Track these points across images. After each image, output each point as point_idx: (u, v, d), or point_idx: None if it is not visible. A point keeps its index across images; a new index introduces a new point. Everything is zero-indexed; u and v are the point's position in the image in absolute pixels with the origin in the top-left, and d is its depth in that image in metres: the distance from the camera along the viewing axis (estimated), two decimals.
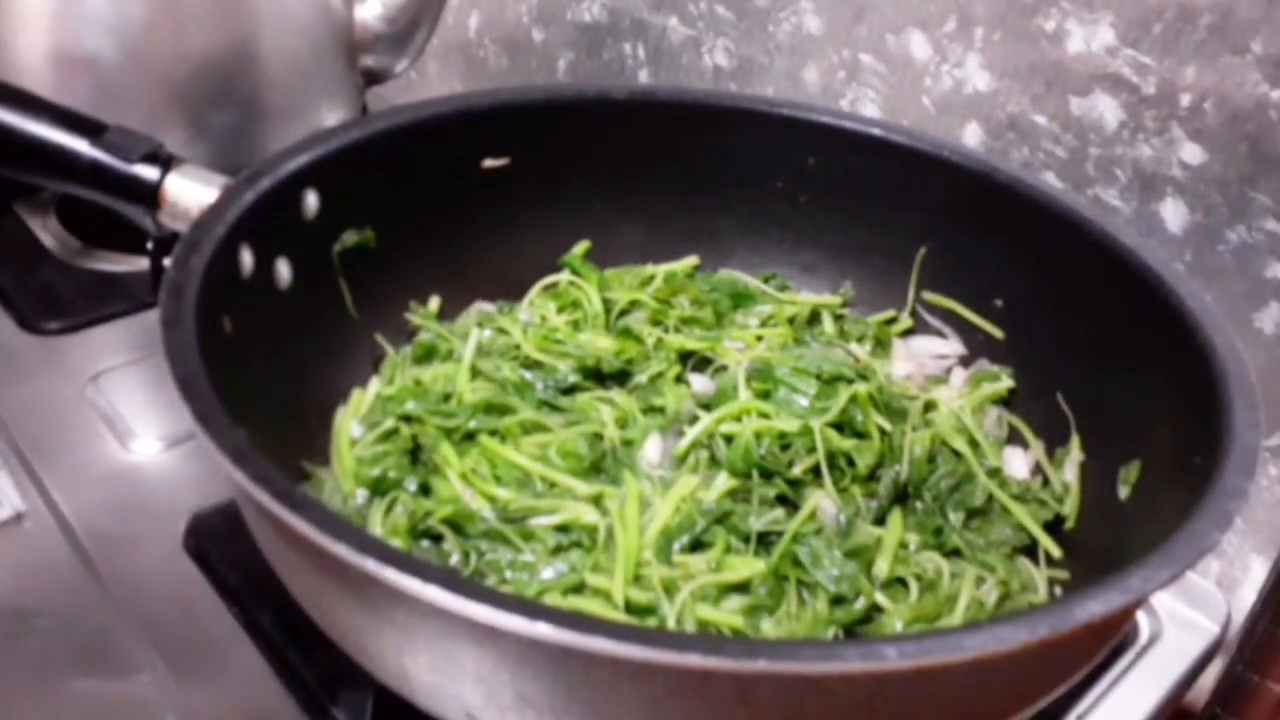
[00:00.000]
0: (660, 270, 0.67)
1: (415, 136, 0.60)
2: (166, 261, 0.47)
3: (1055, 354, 0.59)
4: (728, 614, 0.46)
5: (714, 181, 0.68)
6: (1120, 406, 0.54)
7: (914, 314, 0.66)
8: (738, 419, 0.55)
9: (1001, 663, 0.35)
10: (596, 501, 0.51)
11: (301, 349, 0.56)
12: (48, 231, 0.80)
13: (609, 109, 0.66)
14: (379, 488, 0.51)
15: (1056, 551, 0.53)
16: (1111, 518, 0.52)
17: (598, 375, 0.59)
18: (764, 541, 0.50)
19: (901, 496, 0.54)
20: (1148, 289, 0.52)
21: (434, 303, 0.64)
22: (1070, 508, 0.55)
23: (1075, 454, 0.56)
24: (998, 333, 0.63)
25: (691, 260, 0.69)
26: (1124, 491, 0.51)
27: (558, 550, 0.48)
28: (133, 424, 0.63)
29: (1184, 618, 0.58)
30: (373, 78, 0.84)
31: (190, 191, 0.55)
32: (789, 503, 0.52)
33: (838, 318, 0.66)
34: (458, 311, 0.65)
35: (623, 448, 0.54)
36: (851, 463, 0.54)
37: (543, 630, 0.33)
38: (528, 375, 0.58)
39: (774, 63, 0.82)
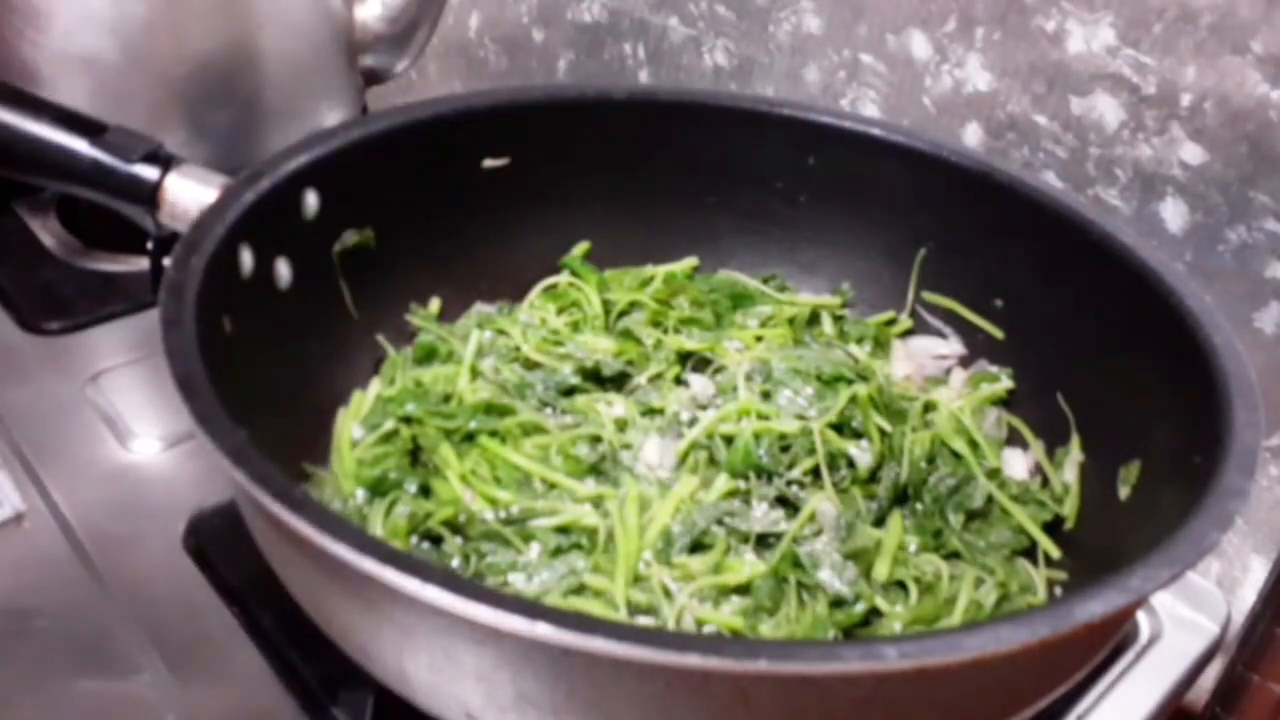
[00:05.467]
0: (660, 271, 0.67)
1: (415, 136, 0.60)
2: (166, 261, 0.47)
3: (1055, 354, 0.59)
4: (728, 615, 0.46)
5: (714, 181, 0.67)
6: (1120, 406, 0.54)
7: (914, 314, 0.66)
8: (737, 420, 0.55)
9: (1001, 663, 0.35)
10: (597, 503, 0.51)
11: (302, 349, 0.56)
12: (48, 231, 0.80)
13: (609, 109, 0.66)
14: (379, 489, 0.51)
15: (1056, 552, 0.53)
16: (1111, 518, 0.52)
17: (597, 377, 0.59)
18: (764, 543, 0.50)
19: (901, 498, 0.54)
20: (1148, 289, 0.52)
21: (434, 304, 0.64)
22: (1070, 508, 0.55)
23: (1075, 454, 0.56)
24: (998, 333, 0.63)
25: (691, 261, 0.69)
26: (1124, 491, 0.51)
27: (558, 552, 0.48)
28: (133, 424, 0.63)
29: (1184, 618, 0.58)
30: (373, 78, 0.84)
31: (190, 191, 0.55)
32: (789, 504, 0.52)
33: (837, 318, 0.66)
34: (458, 312, 0.65)
35: (622, 450, 0.54)
36: (851, 464, 0.54)
37: (543, 630, 0.33)
38: (528, 376, 0.58)
39: (774, 63, 0.82)
